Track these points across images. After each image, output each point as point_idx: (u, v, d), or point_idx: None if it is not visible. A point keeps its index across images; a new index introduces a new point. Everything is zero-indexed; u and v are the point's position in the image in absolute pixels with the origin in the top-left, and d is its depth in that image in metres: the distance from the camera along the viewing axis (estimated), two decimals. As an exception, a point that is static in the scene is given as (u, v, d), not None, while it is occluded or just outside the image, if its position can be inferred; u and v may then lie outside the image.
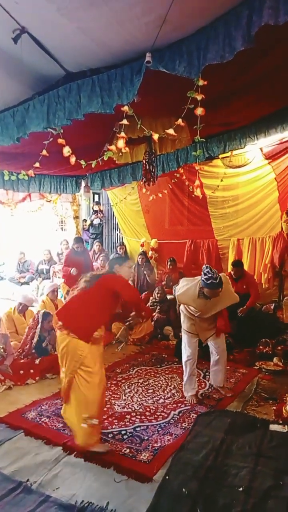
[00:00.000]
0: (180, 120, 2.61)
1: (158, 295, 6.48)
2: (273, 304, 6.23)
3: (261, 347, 5.18)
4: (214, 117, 3.74)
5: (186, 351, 4.00)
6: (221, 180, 6.34)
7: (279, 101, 4.16)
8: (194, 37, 2.36)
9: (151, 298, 6.63)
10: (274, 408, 3.68)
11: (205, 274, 3.58)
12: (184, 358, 4.01)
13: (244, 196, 6.51)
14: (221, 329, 3.91)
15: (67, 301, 3.23)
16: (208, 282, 3.56)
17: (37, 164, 3.16)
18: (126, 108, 2.57)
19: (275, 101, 4.11)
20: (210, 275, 3.55)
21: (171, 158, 5.30)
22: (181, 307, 4.08)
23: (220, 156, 5.85)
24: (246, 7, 2.12)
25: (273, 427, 3.31)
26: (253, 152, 5.96)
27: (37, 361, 4.50)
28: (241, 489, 2.55)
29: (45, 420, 3.49)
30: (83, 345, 2.92)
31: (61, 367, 3.03)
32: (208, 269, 3.60)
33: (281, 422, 3.38)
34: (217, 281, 3.56)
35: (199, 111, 2.46)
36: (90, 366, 2.94)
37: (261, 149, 5.86)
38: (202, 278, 3.60)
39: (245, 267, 6.49)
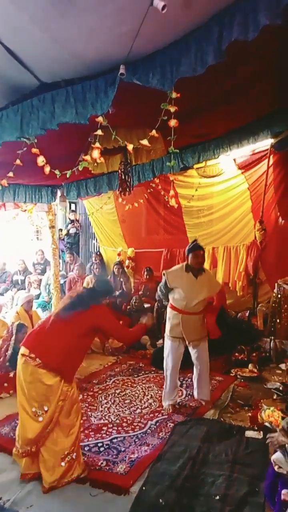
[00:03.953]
0: (154, 131, 2.64)
1: (136, 304, 6.47)
2: (248, 312, 6.32)
3: (236, 354, 5.24)
4: (188, 129, 3.79)
5: (169, 361, 3.94)
6: (196, 190, 6.43)
7: (250, 114, 4.28)
8: (167, 50, 2.40)
9: (128, 307, 6.62)
10: (250, 414, 3.72)
11: (190, 244, 3.92)
12: (165, 368, 3.97)
13: (218, 206, 6.62)
14: (212, 328, 3.94)
15: (41, 328, 2.87)
16: (191, 246, 3.87)
17: (10, 174, 3.11)
18: (100, 119, 2.58)
19: (247, 113, 4.22)
20: (193, 241, 3.94)
21: (146, 168, 5.34)
22: (168, 311, 4.01)
23: (195, 166, 5.94)
24: (216, 22, 2.18)
25: (249, 433, 3.35)
26: (227, 162, 6.09)
27: (11, 374, 4.40)
28: (217, 497, 2.56)
29: (19, 434, 3.40)
30: (66, 388, 2.76)
31: (31, 407, 2.68)
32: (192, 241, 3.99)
33: (256, 428, 3.42)
34: (197, 242, 3.94)
35: (173, 122, 2.50)
36: (68, 397, 2.77)
37: (234, 159, 6.00)
38: (187, 249, 3.91)
39: (220, 275, 6.58)
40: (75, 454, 2.80)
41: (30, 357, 2.71)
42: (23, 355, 2.76)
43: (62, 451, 2.74)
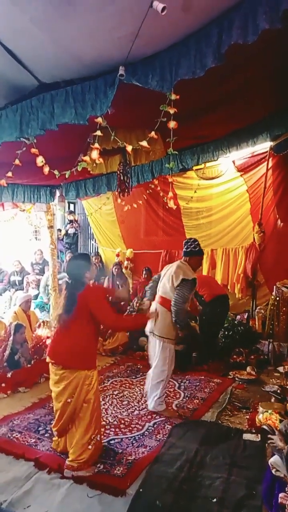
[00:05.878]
0: (153, 133, 2.64)
1: (137, 304, 6.45)
2: (246, 314, 6.32)
3: (234, 356, 5.24)
4: (187, 130, 3.80)
5: (169, 367, 3.80)
6: (195, 192, 6.44)
7: (250, 116, 4.29)
8: (166, 52, 2.41)
9: (128, 307, 6.61)
10: (248, 417, 3.72)
11: (192, 243, 3.75)
12: (167, 374, 3.80)
13: (217, 207, 6.63)
14: None
15: (54, 336, 3.10)
16: (197, 249, 3.73)
17: (9, 174, 3.11)
18: (99, 119, 2.58)
19: (246, 116, 4.23)
20: (196, 242, 3.74)
21: (145, 169, 5.35)
22: (169, 315, 3.77)
23: (194, 168, 5.95)
24: (215, 25, 2.18)
25: (247, 436, 3.34)
26: (226, 164, 6.10)
27: (9, 375, 4.39)
28: (214, 500, 2.55)
29: (16, 435, 3.40)
30: (91, 373, 2.92)
31: (59, 401, 2.94)
32: (192, 239, 3.81)
33: (254, 431, 3.41)
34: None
35: (172, 124, 2.50)
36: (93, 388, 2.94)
37: (233, 161, 6.01)
38: (190, 249, 3.74)
39: (219, 277, 6.58)
40: (99, 436, 3.03)
41: (52, 363, 3.00)
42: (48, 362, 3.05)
43: (89, 435, 2.91)
